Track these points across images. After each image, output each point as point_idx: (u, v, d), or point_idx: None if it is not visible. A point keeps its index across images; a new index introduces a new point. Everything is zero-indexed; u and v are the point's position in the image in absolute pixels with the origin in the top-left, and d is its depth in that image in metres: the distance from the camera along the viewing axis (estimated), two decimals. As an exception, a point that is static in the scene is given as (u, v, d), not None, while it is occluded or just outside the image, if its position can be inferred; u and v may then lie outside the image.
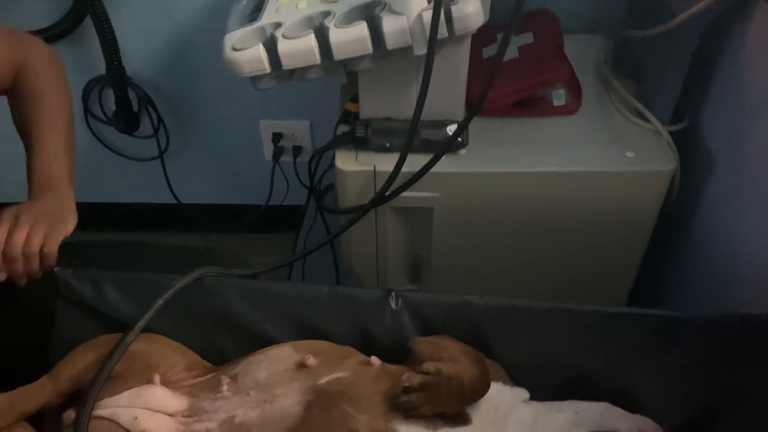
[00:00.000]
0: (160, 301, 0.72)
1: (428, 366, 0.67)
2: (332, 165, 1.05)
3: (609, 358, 0.77)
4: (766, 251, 0.91)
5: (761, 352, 0.73)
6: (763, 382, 0.72)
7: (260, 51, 0.86)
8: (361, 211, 0.97)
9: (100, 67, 1.40)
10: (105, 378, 0.68)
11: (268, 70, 0.87)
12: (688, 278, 1.15)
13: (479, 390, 0.69)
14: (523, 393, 0.75)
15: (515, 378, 0.77)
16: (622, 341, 0.77)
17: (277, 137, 1.52)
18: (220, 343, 0.80)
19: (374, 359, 0.74)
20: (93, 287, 0.78)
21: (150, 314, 0.72)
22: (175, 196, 1.59)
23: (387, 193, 0.96)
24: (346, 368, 0.72)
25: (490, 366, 0.73)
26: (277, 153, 1.53)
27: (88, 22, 1.33)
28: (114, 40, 1.35)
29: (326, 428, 0.66)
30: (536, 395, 0.75)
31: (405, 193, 0.97)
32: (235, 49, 0.87)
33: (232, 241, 1.66)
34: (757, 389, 0.73)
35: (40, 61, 0.89)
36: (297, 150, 1.54)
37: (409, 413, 0.67)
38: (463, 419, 0.70)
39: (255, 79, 0.90)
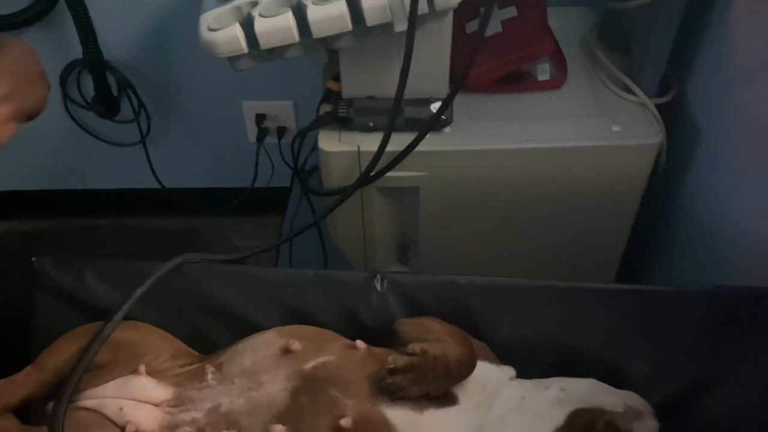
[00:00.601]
0: (139, 291, 0.71)
1: (413, 347, 0.67)
2: (317, 146, 1.03)
3: (596, 334, 0.77)
4: (753, 222, 0.91)
5: (747, 324, 0.74)
6: (748, 354, 0.73)
7: (237, 31, 0.84)
8: (345, 193, 0.96)
9: (77, 51, 1.37)
10: (83, 369, 0.67)
11: (246, 50, 0.85)
12: (676, 251, 1.15)
13: (465, 369, 0.69)
14: (510, 371, 0.75)
15: (503, 357, 0.77)
16: (609, 317, 0.77)
17: (260, 118, 1.50)
18: (206, 330, 0.79)
19: (359, 343, 0.73)
20: (74, 276, 0.77)
21: (130, 303, 0.71)
22: (158, 181, 1.57)
23: (372, 174, 0.95)
24: (332, 352, 0.71)
25: (476, 345, 0.73)
26: (261, 134, 1.50)
27: (62, 5, 1.30)
28: (89, 23, 1.31)
29: (313, 414, 0.66)
30: (524, 373, 0.75)
31: (390, 173, 0.96)
32: (211, 30, 0.85)
33: (217, 225, 1.64)
34: (743, 361, 0.73)
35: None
36: (281, 131, 1.51)
37: (395, 395, 0.67)
38: (450, 399, 0.70)
39: (233, 60, 0.88)
